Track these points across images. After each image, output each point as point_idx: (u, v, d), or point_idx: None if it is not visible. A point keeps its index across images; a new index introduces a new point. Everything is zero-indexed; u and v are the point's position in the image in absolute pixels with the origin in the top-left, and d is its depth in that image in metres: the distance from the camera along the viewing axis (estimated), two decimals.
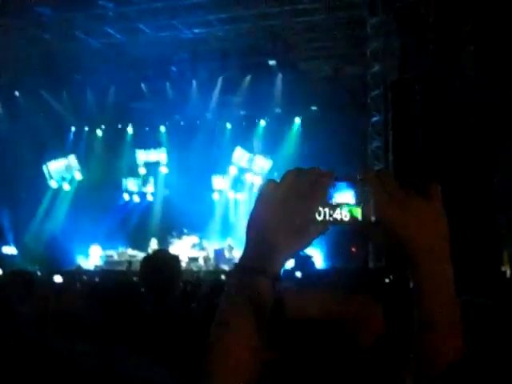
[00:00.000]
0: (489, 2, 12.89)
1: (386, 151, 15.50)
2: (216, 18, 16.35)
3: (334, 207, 1.29)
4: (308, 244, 1.29)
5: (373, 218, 1.29)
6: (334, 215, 1.29)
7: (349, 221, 1.30)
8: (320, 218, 1.29)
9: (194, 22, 16.69)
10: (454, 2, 13.29)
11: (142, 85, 18.90)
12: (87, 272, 16.23)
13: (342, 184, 1.31)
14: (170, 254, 4.43)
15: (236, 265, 1.31)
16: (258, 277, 1.26)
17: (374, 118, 15.76)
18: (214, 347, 1.29)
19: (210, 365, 1.28)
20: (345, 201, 1.30)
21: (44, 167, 19.85)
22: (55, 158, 19.86)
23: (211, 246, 17.19)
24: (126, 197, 19.99)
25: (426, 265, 1.28)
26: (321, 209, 1.29)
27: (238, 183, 18.95)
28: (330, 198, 1.30)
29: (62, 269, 14.84)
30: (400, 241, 1.28)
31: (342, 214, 1.30)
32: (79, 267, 17.18)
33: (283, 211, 1.26)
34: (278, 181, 1.29)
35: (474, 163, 13.40)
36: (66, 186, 20.12)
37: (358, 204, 1.30)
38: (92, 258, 17.88)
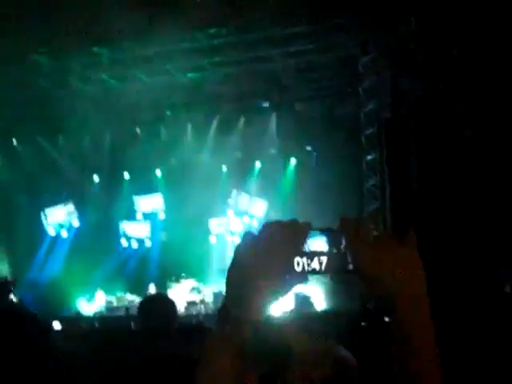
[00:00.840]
0: (480, 37, 13.01)
1: (383, 189, 15.51)
2: (209, 62, 16.50)
3: (311, 256, 1.32)
4: (286, 293, 1.33)
5: (350, 267, 1.32)
6: (312, 265, 1.32)
7: (326, 270, 1.33)
8: (299, 269, 1.32)
9: (188, 67, 16.83)
10: (444, 38, 13.41)
11: (137, 129, 19.01)
12: (86, 318, 16.18)
13: (315, 232, 1.34)
14: (165, 297, 4.50)
15: (217, 313, 1.35)
16: (236, 323, 1.29)
17: (369, 156, 15.78)
18: None
19: None
20: (318, 248, 1.34)
21: (42, 214, 19.84)
22: (53, 204, 19.85)
23: (210, 290, 17.09)
24: (123, 242, 19.93)
25: (401, 310, 1.31)
26: (298, 259, 1.32)
27: (235, 226, 18.93)
28: (306, 247, 1.33)
29: (61, 315, 14.78)
30: (376, 288, 1.32)
31: (321, 264, 1.33)
32: (78, 313, 17.10)
33: (261, 262, 1.29)
34: (256, 233, 1.33)
35: (468, 199, 13.39)
36: (64, 233, 20.09)
37: (332, 252, 1.33)
38: (96, 303, 17.78)
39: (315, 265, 1.32)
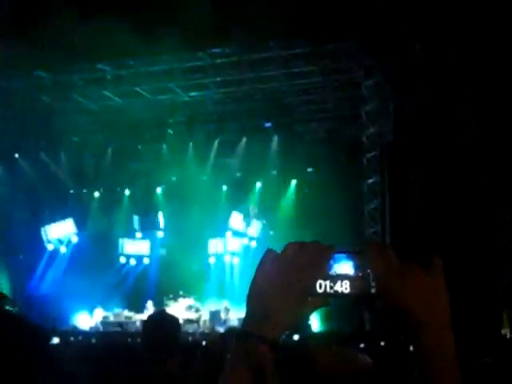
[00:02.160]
0: (484, 63, 13.01)
1: (383, 212, 15.46)
2: (212, 82, 16.54)
3: (334, 279, 1.30)
4: (308, 315, 1.31)
5: (373, 291, 1.30)
6: (335, 288, 1.30)
7: (349, 293, 1.30)
8: (320, 291, 1.30)
9: (191, 86, 16.87)
10: (448, 64, 13.42)
11: (139, 147, 19.02)
12: (83, 333, 16.14)
13: (341, 255, 1.32)
14: (170, 315, 4.53)
15: (237, 331, 1.32)
16: (255, 342, 1.26)
17: (370, 180, 15.75)
18: None
19: None
20: (344, 272, 1.31)
21: (42, 230, 19.84)
22: (53, 219, 19.87)
23: (207, 309, 17.05)
24: (122, 260, 19.93)
25: (426, 338, 1.28)
26: (321, 281, 1.30)
27: (233, 247, 18.91)
28: (330, 269, 1.30)
29: (58, 329, 14.73)
30: (400, 313, 1.29)
31: (343, 287, 1.30)
32: (75, 327, 17.07)
33: (282, 282, 1.27)
34: (279, 251, 1.31)
35: (470, 225, 13.34)
36: (63, 249, 20.07)
37: (357, 276, 1.31)
38: (94, 318, 17.75)
39: (338, 287, 1.30)
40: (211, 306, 17.16)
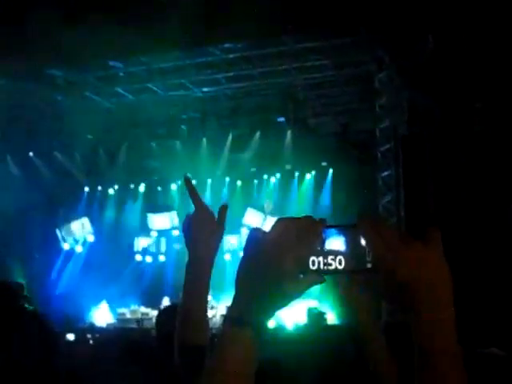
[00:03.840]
0: (497, 54, 12.93)
1: (398, 205, 15.39)
2: (225, 77, 16.52)
3: (327, 256, 1.25)
4: (300, 294, 1.24)
5: (368, 265, 1.25)
6: (329, 264, 1.25)
7: (343, 269, 1.26)
8: (314, 268, 1.25)
9: (203, 81, 16.86)
10: (461, 56, 13.34)
11: (153, 143, 19.05)
12: (99, 329, 16.23)
13: (332, 230, 1.27)
14: None
15: (225, 316, 1.30)
16: (239, 327, 1.24)
17: (385, 173, 15.67)
18: None
19: None
20: (335, 248, 1.26)
21: (57, 229, 19.94)
22: (69, 218, 19.97)
23: (223, 305, 17.07)
24: (138, 258, 20.04)
25: (426, 311, 1.24)
26: (314, 258, 1.25)
27: None
28: (323, 245, 1.26)
29: (75, 326, 14.83)
30: (399, 288, 1.24)
31: (337, 263, 1.25)
32: (92, 324, 17.15)
33: (271, 261, 1.21)
34: (267, 229, 1.26)
35: (484, 218, 13.27)
36: (79, 248, 20.17)
37: (350, 251, 1.26)
38: (98, 314, 17.81)
39: (333, 264, 1.25)
40: (227, 302, 17.18)
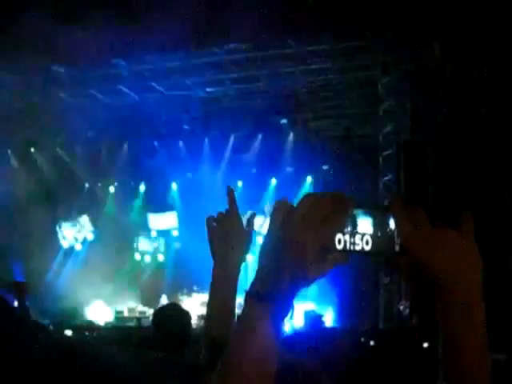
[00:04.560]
0: (500, 62, 12.94)
1: None
2: (228, 78, 16.50)
3: (354, 235, 1.21)
4: (324, 274, 1.19)
5: (396, 248, 1.22)
6: (355, 244, 1.21)
7: (370, 250, 1.22)
8: (340, 247, 1.20)
9: (207, 81, 16.86)
10: (466, 63, 13.35)
11: (155, 142, 19.04)
12: (98, 327, 16.23)
13: (360, 211, 1.23)
14: (180, 307, 4.63)
15: (247, 292, 1.24)
16: (266, 303, 1.19)
17: (386, 178, 15.69)
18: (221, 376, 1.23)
19: None
20: (362, 229, 1.22)
21: (57, 227, 19.94)
22: (69, 214, 19.96)
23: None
24: (137, 257, 20.05)
25: (454, 297, 1.22)
26: (340, 236, 1.20)
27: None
28: (354, 226, 1.21)
29: (73, 324, 14.82)
30: (427, 272, 1.22)
31: (364, 243, 1.21)
32: (91, 322, 17.14)
33: (299, 236, 1.16)
34: (294, 204, 1.20)
35: (487, 224, 13.25)
36: (78, 246, 20.17)
37: (376, 232, 1.23)
38: (92, 311, 17.82)
39: (359, 244, 1.20)
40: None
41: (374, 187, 15.82)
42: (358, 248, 1.21)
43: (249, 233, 2.36)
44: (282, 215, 1.20)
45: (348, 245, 1.20)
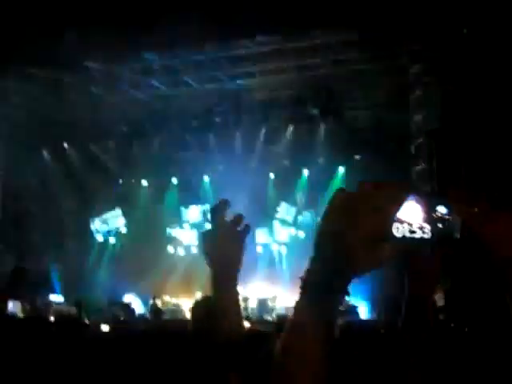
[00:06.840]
0: None
1: None
2: (258, 70, 16.52)
3: (411, 223, 1.21)
4: (381, 264, 1.17)
5: (456, 235, 1.23)
6: (415, 232, 1.21)
7: (430, 239, 1.22)
8: (398, 235, 1.20)
9: (237, 74, 16.89)
10: (495, 51, 13.20)
11: (187, 136, 19.09)
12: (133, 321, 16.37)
13: (410, 198, 1.22)
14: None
15: (302, 280, 1.21)
16: (328, 293, 1.18)
17: (418, 167, 15.58)
18: (277, 373, 1.21)
19: None
20: (413, 216, 1.22)
21: (91, 221, 20.12)
22: (102, 209, 20.11)
23: (255, 297, 17.08)
24: (170, 249, 20.12)
25: None
26: (398, 225, 1.20)
27: (281, 236, 18.98)
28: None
29: (107, 317, 14.96)
30: (499, 253, 1.23)
31: (422, 231, 1.21)
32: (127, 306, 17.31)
33: (359, 224, 1.15)
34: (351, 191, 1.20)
35: None
36: (112, 240, 20.35)
37: (432, 220, 1.22)
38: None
39: (417, 232, 1.20)
40: (259, 295, 17.20)
41: (406, 176, 15.71)
42: (416, 236, 1.21)
43: (242, 232, 2.28)
44: (341, 202, 1.19)
45: (407, 232, 1.21)
